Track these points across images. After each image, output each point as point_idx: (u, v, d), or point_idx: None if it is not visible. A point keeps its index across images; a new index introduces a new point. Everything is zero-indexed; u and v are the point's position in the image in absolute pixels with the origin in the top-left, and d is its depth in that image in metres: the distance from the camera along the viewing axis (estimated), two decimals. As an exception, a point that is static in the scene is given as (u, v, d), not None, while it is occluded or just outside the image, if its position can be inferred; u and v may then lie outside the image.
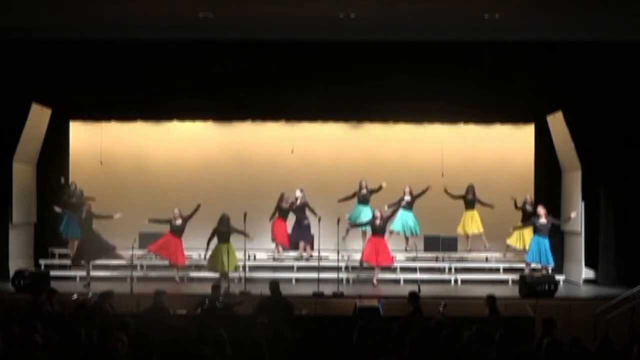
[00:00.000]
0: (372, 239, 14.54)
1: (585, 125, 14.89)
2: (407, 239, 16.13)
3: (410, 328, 7.66)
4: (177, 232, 14.62)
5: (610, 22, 13.68)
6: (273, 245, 16.00)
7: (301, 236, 15.77)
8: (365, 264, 14.73)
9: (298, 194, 15.77)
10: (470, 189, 16.13)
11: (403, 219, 15.95)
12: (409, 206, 16.01)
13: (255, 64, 15.12)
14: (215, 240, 14.28)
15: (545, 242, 14.42)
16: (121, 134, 17.27)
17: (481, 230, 16.13)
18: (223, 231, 14.15)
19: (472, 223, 16.11)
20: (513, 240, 15.63)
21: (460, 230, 16.20)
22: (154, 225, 14.94)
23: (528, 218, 15.37)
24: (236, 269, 14.22)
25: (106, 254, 14.55)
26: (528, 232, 15.21)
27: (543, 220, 14.38)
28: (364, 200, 16.01)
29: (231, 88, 15.35)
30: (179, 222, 14.63)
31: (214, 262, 14.15)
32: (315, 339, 7.51)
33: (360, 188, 16.04)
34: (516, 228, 15.39)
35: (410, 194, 16.00)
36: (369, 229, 14.91)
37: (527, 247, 14.97)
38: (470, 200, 16.11)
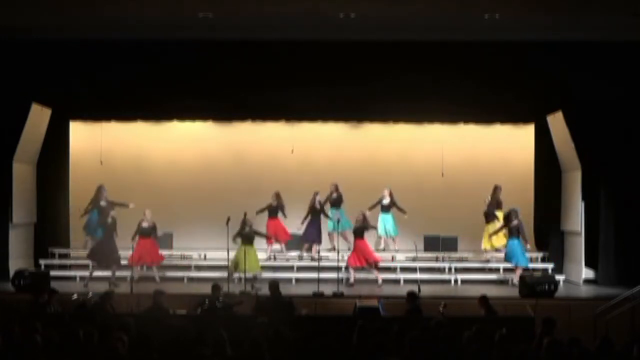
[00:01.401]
0: (355, 242, 14.55)
1: (585, 125, 14.89)
2: (393, 240, 16.12)
3: (410, 328, 7.66)
4: (146, 234, 14.58)
5: (610, 22, 13.68)
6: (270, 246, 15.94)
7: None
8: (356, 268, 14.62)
9: (318, 197, 15.80)
10: (498, 190, 16.04)
11: (382, 222, 15.95)
12: (388, 209, 16.01)
13: (255, 64, 15.12)
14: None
15: (517, 244, 14.44)
16: (121, 134, 17.27)
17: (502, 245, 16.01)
18: (245, 233, 14.14)
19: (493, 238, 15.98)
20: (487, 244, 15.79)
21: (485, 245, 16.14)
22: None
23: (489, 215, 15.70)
24: (254, 270, 14.12)
25: (113, 263, 14.55)
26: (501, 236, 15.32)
27: (515, 222, 14.47)
28: (335, 204, 15.96)
29: (231, 88, 15.34)
30: (145, 224, 14.59)
31: (234, 263, 14.11)
32: (315, 339, 7.51)
33: (331, 192, 16.01)
34: (493, 233, 15.41)
35: (390, 196, 15.99)
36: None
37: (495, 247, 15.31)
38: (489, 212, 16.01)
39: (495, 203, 15.86)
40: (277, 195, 15.73)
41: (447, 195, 16.55)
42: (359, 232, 14.53)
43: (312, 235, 15.66)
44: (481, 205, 15.97)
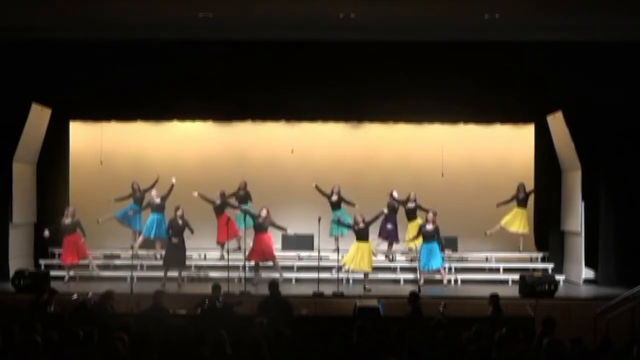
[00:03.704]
0: (256, 236, 14.52)
1: (585, 125, 14.89)
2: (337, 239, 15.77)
3: (410, 328, 7.66)
4: (70, 231, 14.57)
5: (610, 22, 13.68)
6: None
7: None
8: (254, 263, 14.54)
9: (395, 194, 15.77)
10: (521, 187, 16.04)
11: (335, 220, 15.75)
12: (338, 206, 15.91)
13: (255, 64, 15.13)
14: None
15: (430, 248, 14.36)
16: (121, 134, 17.26)
17: (527, 231, 16.09)
18: (360, 229, 14.13)
19: (521, 221, 16.03)
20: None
21: (504, 224, 16.02)
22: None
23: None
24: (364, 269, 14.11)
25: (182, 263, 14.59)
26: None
27: (430, 226, 14.42)
28: (243, 201, 15.95)
29: (231, 88, 15.35)
30: (68, 221, 14.59)
31: (351, 260, 14.10)
32: (315, 339, 7.51)
33: (239, 188, 16.04)
34: (410, 240, 15.36)
35: (338, 193, 15.94)
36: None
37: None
38: (522, 198, 16.04)
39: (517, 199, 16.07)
40: (223, 195, 15.70)
41: (447, 195, 16.54)
42: (261, 228, 14.44)
43: (389, 233, 15.61)
44: (480, 205, 16.06)
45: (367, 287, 13.81)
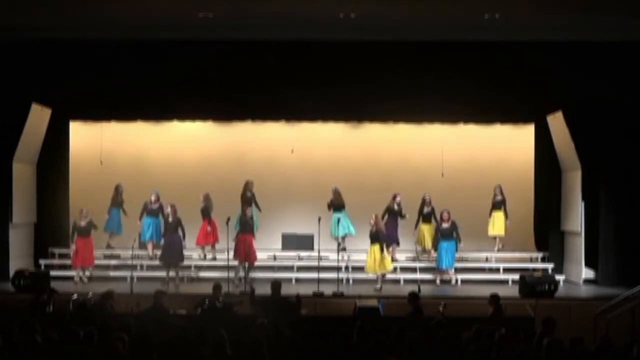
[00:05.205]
0: (241, 237, 14.47)
1: (585, 125, 14.90)
2: (343, 239, 15.83)
3: (410, 328, 7.66)
4: (84, 233, 14.57)
5: (610, 22, 13.69)
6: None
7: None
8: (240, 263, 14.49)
9: (398, 199, 15.65)
10: (497, 189, 16.06)
11: (333, 223, 15.75)
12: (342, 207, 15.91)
13: (255, 64, 15.14)
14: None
15: (447, 246, 14.55)
16: (121, 134, 17.25)
17: (502, 233, 16.10)
18: (371, 232, 14.15)
19: (497, 224, 16.07)
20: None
21: (490, 231, 16.16)
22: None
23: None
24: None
25: (176, 262, 14.54)
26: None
27: (445, 224, 14.58)
28: (249, 202, 15.77)
29: (231, 88, 15.35)
30: (83, 223, 14.58)
31: (373, 266, 14.15)
32: (315, 339, 7.52)
33: (245, 190, 15.90)
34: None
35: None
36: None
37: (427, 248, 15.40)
38: (498, 201, 16.05)
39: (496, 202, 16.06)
40: (206, 197, 15.68)
41: (447, 195, 16.52)
42: (247, 228, 14.42)
43: (390, 237, 15.44)
44: (480, 205, 16.08)
45: (378, 287, 13.90)
